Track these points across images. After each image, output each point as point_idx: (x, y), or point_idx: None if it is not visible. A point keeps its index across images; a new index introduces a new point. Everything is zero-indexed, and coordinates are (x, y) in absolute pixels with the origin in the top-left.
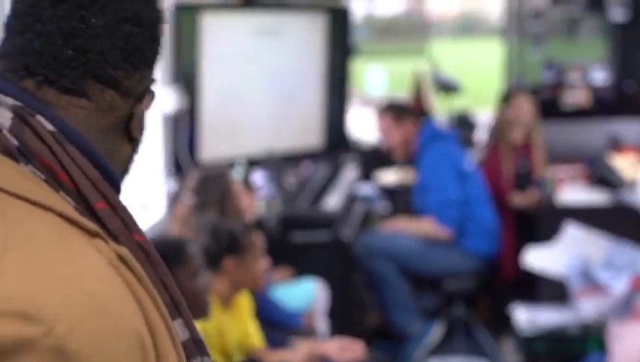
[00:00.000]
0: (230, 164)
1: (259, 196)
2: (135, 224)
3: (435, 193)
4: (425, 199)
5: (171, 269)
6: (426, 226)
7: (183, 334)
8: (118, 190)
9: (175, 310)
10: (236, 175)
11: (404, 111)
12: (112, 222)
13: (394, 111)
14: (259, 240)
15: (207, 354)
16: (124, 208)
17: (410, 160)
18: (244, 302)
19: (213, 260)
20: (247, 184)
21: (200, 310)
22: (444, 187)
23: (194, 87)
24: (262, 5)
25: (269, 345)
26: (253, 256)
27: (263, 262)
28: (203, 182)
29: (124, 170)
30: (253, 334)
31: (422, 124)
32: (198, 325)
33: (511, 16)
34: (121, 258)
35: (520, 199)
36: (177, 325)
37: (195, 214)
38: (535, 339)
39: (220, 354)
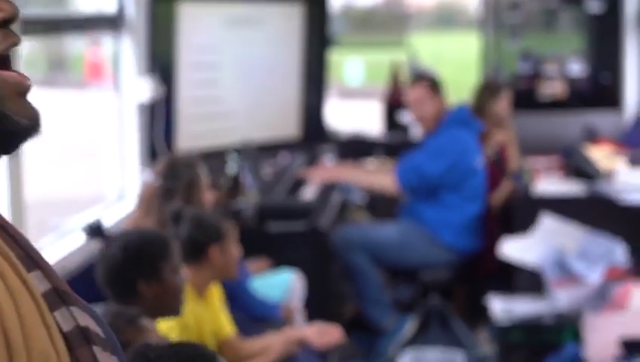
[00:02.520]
0: (219, 155)
1: (246, 189)
2: None
3: (420, 155)
4: (411, 154)
5: (157, 264)
6: (380, 178)
7: (42, 285)
8: None
9: (31, 262)
10: (231, 166)
11: (437, 87)
12: None
13: (430, 83)
14: (232, 227)
15: (74, 304)
16: None
17: (428, 133)
18: (216, 292)
19: (199, 250)
20: (238, 178)
21: (176, 307)
22: (433, 160)
23: (170, 76)
24: None
25: (246, 337)
26: (232, 242)
27: (237, 250)
28: (171, 168)
29: None
30: (226, 323)
31: (455, 106)
32: (175, 319)
33: (488, 7)
34: None
35: (496, 199)
36: (35, 276)
37: (159, 199)
38: (510, 329)
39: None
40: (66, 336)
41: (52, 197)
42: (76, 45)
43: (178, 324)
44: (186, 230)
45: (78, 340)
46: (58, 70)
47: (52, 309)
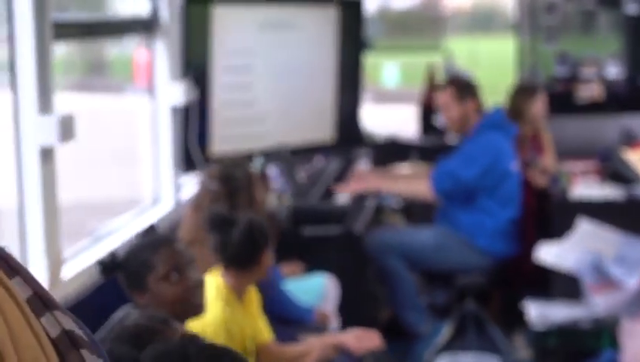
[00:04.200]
0: (247, 157)
1: (272, 191)
2: None
3: (455, 160)
4: (446, 159)
5: (141, 275)
6: (415, 185)
7: (24, 292)
8: None
9: (9, 269)
10: (255, 167)
11: (467, 90)
12: None
13: (457, 88)
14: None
15: (57, 308)
16: None
17: (463, 136)
18: (254, 296)
19: (254, 256)
20: (264, 180)
21: (178, 315)
22: (467, 164)
23: (204, 79)
24: None
25: (280, 341)
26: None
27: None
28: (229, 170)
29: None
30: (264, 328)
31: (490, 109)
32: (214, 320)
33: (524, 10)
34: None
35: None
36: (16, 283)
37: (214, 202)
38: (547, 334)
39: (239, 349)
40: (54, 342)
41: (89, 201)
42: (116, 49)
43: (221, 328)
44: (240, 235)
45: (66, 345)
46: (97, 74)
47: (38, 315)
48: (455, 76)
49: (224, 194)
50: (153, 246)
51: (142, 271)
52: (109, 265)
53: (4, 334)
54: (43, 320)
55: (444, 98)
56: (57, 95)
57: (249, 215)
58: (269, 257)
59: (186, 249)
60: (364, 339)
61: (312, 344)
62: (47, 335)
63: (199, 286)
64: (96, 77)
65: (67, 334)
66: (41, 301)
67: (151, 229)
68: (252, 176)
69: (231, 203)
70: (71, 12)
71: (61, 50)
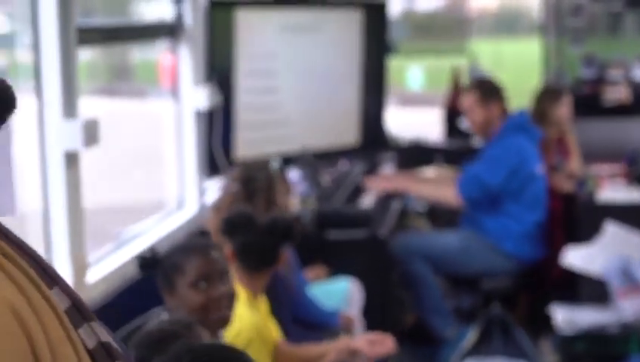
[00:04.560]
0: (268, 160)
1: (295, 193)
2: None
3: (479, 165)
4: (470, 165)
5: (171, 278)
6: (442, 191)
7: (63, 302)
8: None
9: (49, 279)
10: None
11: (491, 94)
12: None
13: (481, 91)
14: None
15: (93, 319)
16: None
17: (487, 140)
18: (263, 296)
19: (274, 255)
20: (284, 182)
21: (206, 321)
22: (492, 169)
23: (228, 83)
24: (297, 1)
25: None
26: None
27: None
28: (249, 172)
29: None
30: (274, 328)
31: (515, 112)
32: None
33: (549, 12)
34: None
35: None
36: (55, 294)
37: (238, 204)
38: (574, 339)
39: (265, 356)
40: (91, 353)
41: (114, 205)
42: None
43: (254, 334)
44: (263, 233)
45: (102, 357)
46: (121, 79)
47: (76, 326)
48: (480, 79)
49: (244, 196)
50: (187, 251)
51: (173, 274)
52: (148, 261)
53: (43, 344)
54: (81, 331)
55: (468, 101)
56: (82, 100)
57: (270, 215)
58: (284, 255)
59: (221, 258)
60: (378, 344)
61: (328, 347)
62: (85, 346)
63: (226, 298)
64: (120, 81)
65: (103, 346)
66: (79, 312)
67: (200, 234)
68: (273, 178)
69: (251, 205)
70: (97, 17)
71: (86, 55)
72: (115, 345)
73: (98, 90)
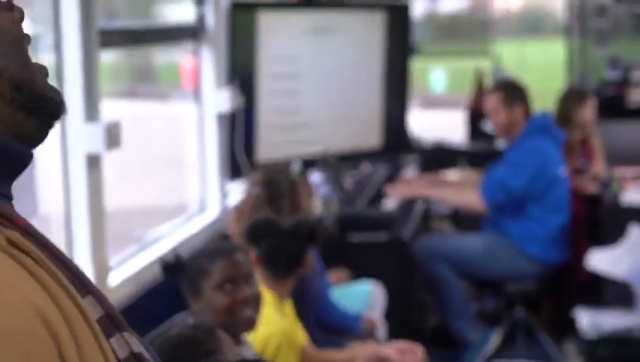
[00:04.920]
0: (290, 162)
1: (317, 196)
2: (12, 211)
3: (503, 170)
4: (494, 169)
5: (197, 282)
6: (466, 196)
7: (95, 311)
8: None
9: (82, 287)
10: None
11: (515, 95)
12: None
13: (504, 93)
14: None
15: (126, 329)
16: None
17: (510, 142)
18: (289, 300)
19: (299, 260)
20: (306, 183)
21: (229, 324)
22: (515, 172)
23: (250, 86)
24: (319, 3)
25: (327, 349)
26: None
27: None
28: (272, 174)
29: (18, 133)
30: (300, 332)
31: (538, 114)
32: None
33: (573, 13)
34: (11, 242)
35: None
36: (88, 302)
37: (264, 207)
38: (599, 343)
39: (294, 357)
40: None
41: (136, 208)
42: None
43: (284, 339)
44: (288, 237)
45: None
46: (145, 81)
47: (108, 336)
48: (504, 80)
49: (267, 199)
50: (213, 254)
51: (198, 277)
52: (172, 266)
53: (72, 352)
54: (112, 341)
55: (492, 103)
56: (105, 102)
57: (294, 218)
58: (310, 258)
59: (246, 261)
60: (408, 353)
61: (357, 352)
62: (116, 356)
63: (252, 301)
64: (144, 84)
65: (135, 356)
66: (111, 322)
67: (223, 238)
68: (295, 181)
69: (274, 208)
70: (120, 20)
71: (109, 58)
72: (147, 355)
73: (121, 92)
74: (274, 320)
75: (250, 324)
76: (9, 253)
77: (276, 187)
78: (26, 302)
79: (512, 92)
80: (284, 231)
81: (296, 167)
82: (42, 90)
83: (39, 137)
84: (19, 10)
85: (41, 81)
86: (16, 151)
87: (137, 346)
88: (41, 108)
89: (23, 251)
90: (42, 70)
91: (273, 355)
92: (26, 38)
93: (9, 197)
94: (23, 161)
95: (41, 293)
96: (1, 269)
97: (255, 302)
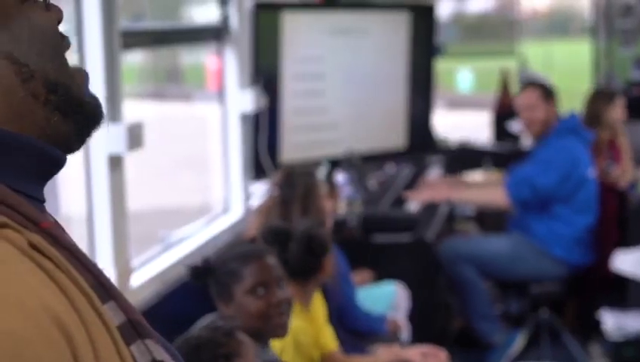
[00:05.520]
0: (314, 164)
1: (341, 197)
2: (39, 213)
3: (530, 168)
4: (520, 166)
5: (229, 286)
6: (490, 194)
7: (117, 317)
8: (34, 167)
9: (104, 293)
10: (320, 176)
11: (552, 93)
12: (13, 218)
13: (544, 89)
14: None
15: (149, 336)
16: (20, 202)
17: (538, 142)
18: (319, 304)
19: (315, 266)
20: (331, 186)
21: (261, 329)
22: (543, 171)
23: (274, 86)
24: (343, 4)
25: (350, 352)
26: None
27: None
28: (288, 177)
29: (53, 136)
30: (330, 337)
31: (566, 115)
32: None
33: (599, 13)
34: (33, 246)
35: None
36: (109, 308)
37: (278, 209)
38: (624, 345)
39: (300, 358)
40: None
41: (160, 208)
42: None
43: (289, 339)
44: (298, 249)
45: None
46: (172, 82)
47: (128, 343)
48: (535, 80)
49: (280, 201)
50: (244, 258)
51: (229, 281)
52: (201, 272)
53: (91, 359)
54: (133, 348)
55: (530, 98)
56: (132, 103)
57: (305, 226)
58: (329, 263)
59: (277, 265)
60: (432, 357)
61: (379, 356)
62: None
63: (284, 305)
64: (171, 85)
65: (132, 324)
66: (134, 328)
67: (249, 241)
68: (312, 185)
69: (284, 211)
70: (146, 21)
71: (137, 59)
72: None
73: (148, 93)
74: None
75: (282, 330)
76: (30, 256)
77: (291, 190)
78: (43, 306)
79: (549, 89)
80: (295, 243)
81: (323, 170)
82: (79, 93)
83: (76, 142)
84: (56, 9)
85: (79, 84)
86: (49, 153)
87: (160, 354)
88: (77, 112)
89: (44, 255)
90: (80, 73)
91: (277, 354)
92: (64, 40)
93: (40, 200)
94: (56, 164)
95: (60, 298)
96: (21, 273)
97: (288, 305)
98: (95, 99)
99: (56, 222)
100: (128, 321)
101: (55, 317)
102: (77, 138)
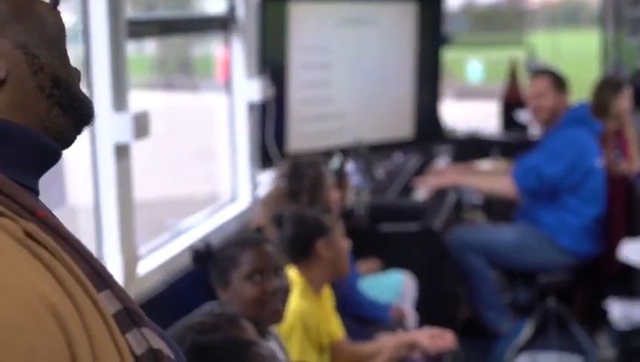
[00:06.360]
0: (326, 154)
1: (351, 188)
2: (35, 202)
3: (538, 156)
4: (528, 155)
5: (226, 273)
6: (497, 182)
7: (112, 306)
8: (35, 158)
9: (100, 281)
10: (332, 166)
11: (563, 83)
12: (9, 207)
13: (554, 77)
14: (337, 221)
15: (144, 325)
16: (17, 191)
17: (546, 131)
18: (328, 295)
19: (306, 246)
20: (342, 176)
21: (257, 315)
22: (551, 160)
23: (281, 76)
24: None
25: (357, 340)
26: (339, 235)
27: (345, 243)
28: (296, 169)
29: (51, 128)
30: (337, 326)
31: (575, 104)
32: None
33: (607, 3)
34: (29, 234)
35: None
36: (105, 296)
37: (285, 200)
38: (631, 334)
39: (309, 346)
40: (138, 359)
41: (168, 198)
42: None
43: (297, 320)
44: (289, 229)
45: None
46: (183, 73)
47: (123, 331)
48: (546, 69)
49: (288, 192)
50: (242, 244)
51: (227, 267)
52: (202, 255)
53: (84, 346)
54: (129, 336)
55: (540, 85)
56: (141, 93)
57: (296, 209)
58: (327, 247)
59: (276, 253)
60: (439, 338)
61: (386, 342)
62: (132, 352)
63: (281, 292)
64: (182, 75)
65: (154, 353)
66: (129, 317)
67: (252, 230)
68: (321, 176)
69: (293, 201)
70: (158, 10)
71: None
72: (168, 352)
73: (158, 83)
74: (293, 303)
75: (277, 316)
76: (25, 245)
77: (298, 181)
78: (38, 295)
79: (560, 79)
80: (287, 222)
81: (336, 161)
82: (77, 91)
83: (69, 137)
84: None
85: (77, 83)
86: (48, 146)
87: (157, 342)
88: (76, 108)
89: (39, 243)
90: (77, 74)
91: (286, 335)
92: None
93: (35, 191)
94: (53, 157)
95: (55, 286)
96: (16, 261)
97: (283, 294)
98: (89, 100)
99: (50, 212)
100: (124, 309)
101: (50, 305)
102: (71, 134)
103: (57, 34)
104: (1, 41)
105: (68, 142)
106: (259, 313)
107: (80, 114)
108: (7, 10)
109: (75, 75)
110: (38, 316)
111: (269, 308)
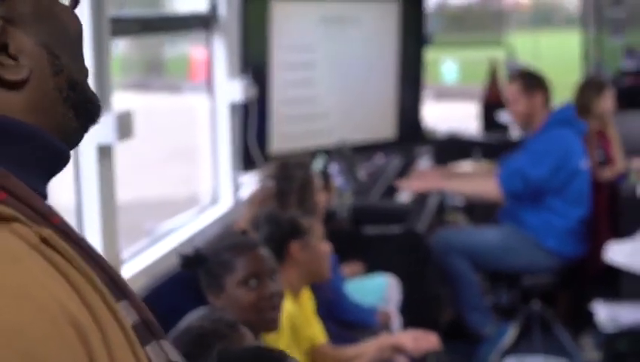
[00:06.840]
0: (309, 156)
1: (335, 189)
2: (49, 208)
3: (522, 158)
4: (512, 157)
5: (220, 278)
6: (481, 185)
7: (130, 316)
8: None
9: (117, 290)
10: (316, 167)
11: (535, 84)
12: (23, 212)
13: (525, 81)
14: (317, 224)
15: (163, 337)
16: (31, 196)
17: (529, 133)
18: (307, 297)
19: (279, 248)
20: (327, 178)
21: (253, 322)
22: (536, 162)
23: (263, 76)
24: None
25: (340, 344)
26: (316, 239)
27: (325, 246)
28: (284, 170)
29: (62, 131)
30: (318, 330)
31: (560, 105)
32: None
33: (588, 2)
34: (44, 240)
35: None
36: (123, 307)
37: (272, 201)
38: (617, 337)
39: (296, 348)
40: None
41: (148, 200)
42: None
43: (286, 321)
44: (264, 230)
45: None
46: (154, 74)
47: (143, 343)
48: (523, 69)
49: (276, 193)
50: (237, 248)
51: (221, 272)
52: (191, 261)
53: (105, 359)
54: (148, 348)
55: (511, 91)
56: (116, 95)
57: (271, 210)
58: (303, 249)
59: (269, 257)
60: (422, 340)
61: (368, 345)
62: None
63: (276, 297)
64: (154, 76)
65: (146, 324)
66: (147, 328)
67: (240, 233)
68: (309, 178)
69: (281, 203)
70: (129, 10)
71: (120, 50)
72: None
73: (132, 84)
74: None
75: (273, 323)
76: (40, 252)
77: (287, 183)
78: (56, 304)
79: (531, 81)
80: (261, 224)
81: (319, 162)
82: (91, 94)
83: (78, 139)
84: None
85: (88, 83)
86: (60, 149)
87: (175, 355)
88: (88, 110)
89: (55, 250)
90: (87, 72)
91: (273, 339)
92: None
93: (44, 196)
94: (63, 160)
95: (72, 295)
96: (32, 268)
97: (279, 299)
98: (99, 100)
99: (63, 218)
100: (142, 321)
101: (69, 315)
102: (80, 134)
103: (77, 36)
104: (25, 40)
105: (76, 143)
106: (254, 319)
107: (91, 116)
108: (30, 10)
109: (87, 75)
110: (59, 327)
111: (265, 314)
